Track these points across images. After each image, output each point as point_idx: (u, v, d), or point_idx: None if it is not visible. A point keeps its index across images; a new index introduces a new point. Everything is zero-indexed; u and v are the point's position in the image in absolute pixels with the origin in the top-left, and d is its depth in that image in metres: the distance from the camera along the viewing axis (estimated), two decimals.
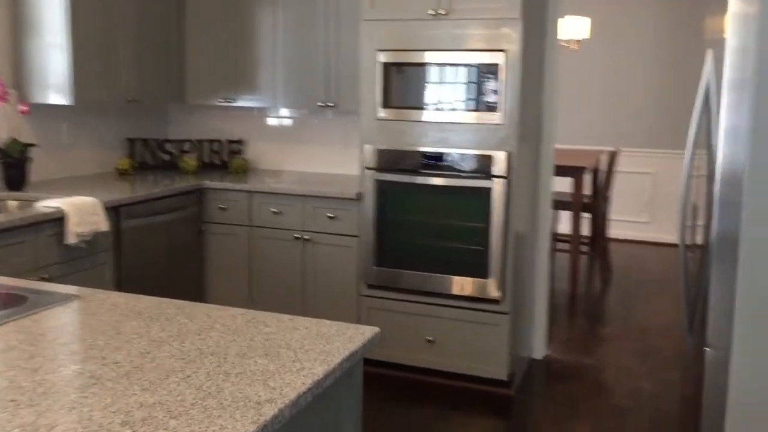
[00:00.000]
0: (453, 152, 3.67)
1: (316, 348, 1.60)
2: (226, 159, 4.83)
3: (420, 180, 3.76)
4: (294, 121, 4.77)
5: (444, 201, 3.75)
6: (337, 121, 4.60)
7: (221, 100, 4.56)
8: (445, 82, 3.70)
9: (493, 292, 3.68)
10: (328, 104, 4.27)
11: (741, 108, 1.96)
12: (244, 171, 4.69)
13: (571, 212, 5.60)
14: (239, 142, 4.86)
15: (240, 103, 4.54)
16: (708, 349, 2.07)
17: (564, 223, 6.15)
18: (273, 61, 4.38)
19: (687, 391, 3.88)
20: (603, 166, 6.04)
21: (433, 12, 3.61)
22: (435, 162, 3.71)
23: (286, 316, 1.82)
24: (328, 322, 1.78)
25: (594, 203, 5.87)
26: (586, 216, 5.88)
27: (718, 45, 2.31)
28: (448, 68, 3.66)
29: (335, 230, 4.01)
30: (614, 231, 6.87)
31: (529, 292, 4.19)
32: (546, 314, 4.35)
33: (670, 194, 7.45)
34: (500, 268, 3.65)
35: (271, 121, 4.83)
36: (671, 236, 7.40)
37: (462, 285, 3.74)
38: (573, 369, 4.22)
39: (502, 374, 3.77)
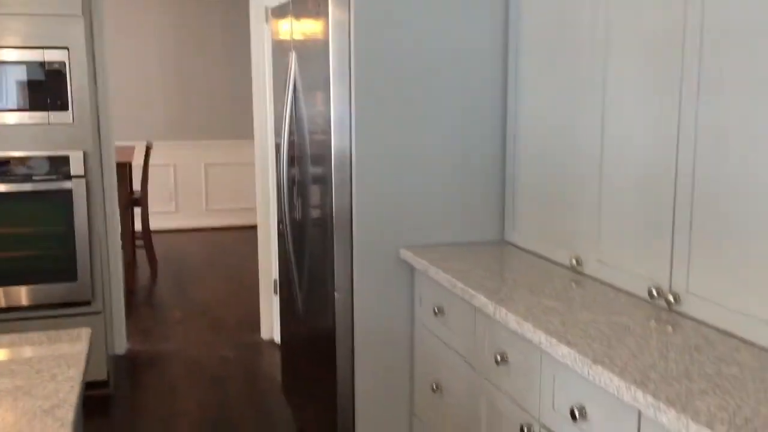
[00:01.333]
0: (21, 155, 3.45)
1: (48, 355, 1.56)
2: None
3: None
4: None
5: (17, 208, 3.50)
6: None
7: None
8: (4, 81, 3.43)
9: (84, 293, 3.62)
10: None
11: (344, 101, 2.45)
12: None
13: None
14: None
15: None
16: (336, 294, 2.56)
17: None
18: None
19: (272, 349, 4.43)
20: (139, 161, 6.18)
21: None
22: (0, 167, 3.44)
23: None
24: (29, 334, 1.70)
25: (140, 198, 5.99)
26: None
27: (300, 46, 2.78)
28: (6, 66, 3.41)
29: None
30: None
31: (107, 289, 4.17)
32: (123, 310, 4.40)
33: (189, 183, 7.96)
34: (88, 269, 3.60)
35: None
36: (195, 222, 7.96)
37: (49, 293, 3.57)
38: (160, 356, 4.38)
39: (102, 375, 3.74)
